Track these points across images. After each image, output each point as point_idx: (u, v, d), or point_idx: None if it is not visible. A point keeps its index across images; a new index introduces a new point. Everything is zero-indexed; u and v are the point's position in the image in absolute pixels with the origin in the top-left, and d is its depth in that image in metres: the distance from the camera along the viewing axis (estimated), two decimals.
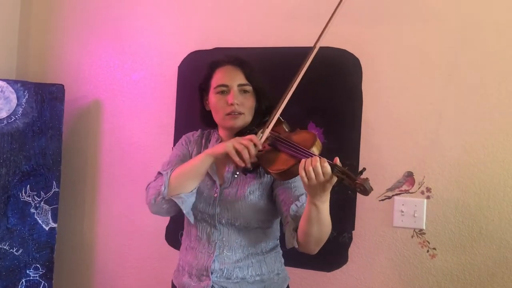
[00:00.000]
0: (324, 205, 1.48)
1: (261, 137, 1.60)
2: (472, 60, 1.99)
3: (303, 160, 1.45)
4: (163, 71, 2.46)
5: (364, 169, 1.42)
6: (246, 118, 1.72)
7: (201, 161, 1.62)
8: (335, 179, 1.42)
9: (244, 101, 1.70)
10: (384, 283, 2.08)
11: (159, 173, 1.72)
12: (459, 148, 1.99)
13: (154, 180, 1.72)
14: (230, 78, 1.70)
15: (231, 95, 1.69)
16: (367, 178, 1.37)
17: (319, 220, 1.49)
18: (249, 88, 1.71)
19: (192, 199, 1.66)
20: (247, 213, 1.68)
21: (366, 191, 1.37)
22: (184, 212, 1.65)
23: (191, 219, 1.69)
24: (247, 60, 1.77)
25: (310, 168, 1.41)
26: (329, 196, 1.47)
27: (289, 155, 1.56)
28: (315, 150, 1.54)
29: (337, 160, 1.43)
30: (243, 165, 1.54)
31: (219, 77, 1.72)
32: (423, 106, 2.04)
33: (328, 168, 1.40)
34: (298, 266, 2.15)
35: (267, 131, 1.63)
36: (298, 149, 1.54)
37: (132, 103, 2.53)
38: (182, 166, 1.66)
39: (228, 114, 1.70)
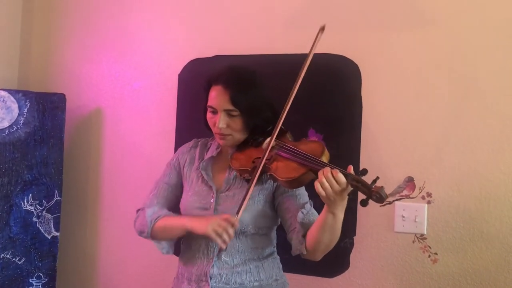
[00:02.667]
0: (341, 213, 1.51)
1: (238, 216, 1.59)
2: (471, 64, 1.99)
3: (320, 171, 1.45)
4: (164, 79, 2.48)
5: (377, 177, 1.43)
6: (236, 137, 1.72)
7: (178, 229, 1.73)
8: (350, 187, 1.43)
9: (231, 123, 1.69)
10: None
11: (141, 209, 1.84)
12: (459, 152, 2.00)
13: (142, 210, 1.83)
14: (218, 102, 1.69)
15: (217, 118, 1.69)
16: (382, 186, 1.40)
17: (334, 227, 1.52)
18: (235, 112, 1.68)
19: (172, 243, 1.84)
20: (244, 218, 1.68)
21: (382, 198, 1.39)
22: (162, 253, 1.83)
23: (171, 253, 1.84)
24: (240, 77, 1.72)
25: (324, 180, 1.43)
26: (345, 204, 1.49)
27: (298, 164, 1.56)
28: (324, 159, 1.54)
29: (351, 169, 1.45)
30: (224, 247, 1.58)
31: (210, 97, 1.72)
32: (422, 111, 2.05)
33: (341, 177, 1.42)
34: (300, 272, 2.15)
35: (265, 156, 1.62)
36: (308, 158, 1.54)
37: (133, 111, 2.54)
38: (165, 221, 1.76)
39: (217, 133, 1.73)
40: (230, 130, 1.70)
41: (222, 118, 1.69)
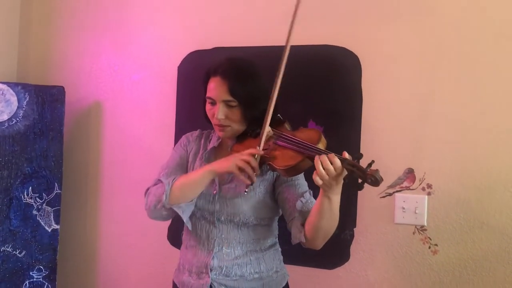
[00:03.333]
0: (337, 197, 1.51)
1: (260, 144, 1.61)
2: (472, 56, 1.99)
3: (317, 157, 1.46)
4: (163, 71, 2.47)
5: (372, 161, 1.43)
6: (235, 128, 1.73)
7: (202, 176, 1.65)
8: (345, 171, 1.44)
9: (229, 114, 1.70)
10: (386, 279, 2.09)
11: (159, 180, 1.75)
12: (459, 143, 1.99)
13: (154, 185, 1.76)
14: (216, 93, 1.70)
15: (216, 109, 1.70)
16: (377, 169, 1.40)
17: (331, 212, 1.52)
18: (233, 103, 1.69)
19: (192, 207, 1.72)
20: (246, 209, 1.69)
21: (377, 181, 1.39)
22: (184, 220, 1.71)
23: (189, 226, 1.74)
24: (238, 68, 1.72)
25: (321, 167, 1.43)
26: (341, 188, 1.49)
27: (295, 152, 1.58)
28: (321, 146, 1.56)
29: (345, 154, 1.46)
30: (249, 182, 1.57)
31: (209, 89, 1.73)
32: (422, 103, 2.04)
33: (338, 162, 1.43)
34: (300, 264, 2.16)
35: (264, 134, 1.64)
36: (305, 145, 1.55)
37: (133, 103, 2.53)
38: (184, 177, 1.70)
39: (216, 125, 1.73)
40: (229, 121, 1.71)
41: (220, 109, 1.69)
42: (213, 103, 1.72)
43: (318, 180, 1.44)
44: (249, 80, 1.70)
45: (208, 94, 1.73)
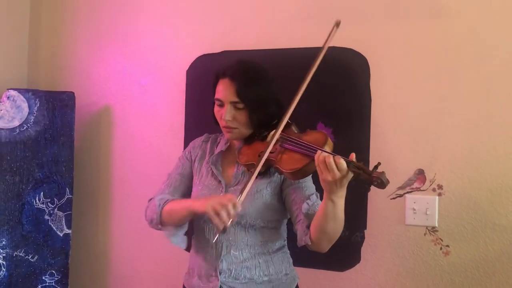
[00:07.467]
0: (341, 200, 1.50)
1: (241, 197, 1.56)
2: (480, 57, 1.97)
3: (316, 155, 1.46)
4: (172, 75, 2.48)
5: (379, 163, 1.43)
6: (242, 131, 1.74)
7: (185, 212, 1.70)
8: (351, 174, 1.44)
9: (237, 116, 1.71)
10: (397, 281, 2.07)
11: (152, 198, 1.84)
12: (470, 144, 1.98)
13: (153, 199, 1.83)
14: (224, 94, 1.71)
15: (224, 111, 1.72)
16: (383, 172, 1.40)
17: (335, 215, 1.51)
18: (240, 105, 1.70)
19: (183, 230, 1.79)
20: (253, 211, 1.70)
21: (383, 183, 1.39)
22: (172, 243, 1.78)
23: (183, 246, 1.81)
24: (247, 70, 1.73)
25: (324, 164, 1.43)
26: (345, 191, 1.49)
27: (302, 155, 1.58)
28: (327, 148, 1.55)
29: (353, 156, 1.45)
30: (221, 227, 1.50)
31: (217, 90, 1.75)
32: (432, 103, 2.03)
33: (343, 164, 1.42)
34: (311, 266, 2.15)
35: (273, 140, 1.63)
36: (311, 148, 1.55)
37: (142, 107, 2.55)
38: (173, 204, 1.75)
39: (223, 127, 1.74)
40: (236, 123, 1.72)
41: (228, 111, 1.71)
42: (221, 104, 1.73)
43: (321, 176, 1.45)
44: (256, 83, 1.71)
45: (216, 96, 1.75)
